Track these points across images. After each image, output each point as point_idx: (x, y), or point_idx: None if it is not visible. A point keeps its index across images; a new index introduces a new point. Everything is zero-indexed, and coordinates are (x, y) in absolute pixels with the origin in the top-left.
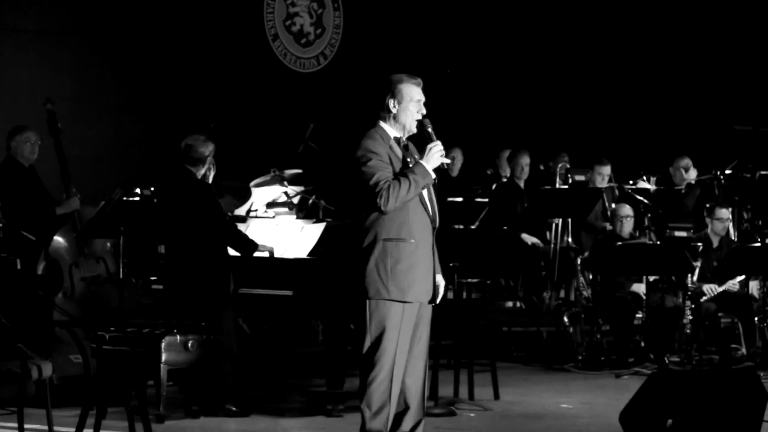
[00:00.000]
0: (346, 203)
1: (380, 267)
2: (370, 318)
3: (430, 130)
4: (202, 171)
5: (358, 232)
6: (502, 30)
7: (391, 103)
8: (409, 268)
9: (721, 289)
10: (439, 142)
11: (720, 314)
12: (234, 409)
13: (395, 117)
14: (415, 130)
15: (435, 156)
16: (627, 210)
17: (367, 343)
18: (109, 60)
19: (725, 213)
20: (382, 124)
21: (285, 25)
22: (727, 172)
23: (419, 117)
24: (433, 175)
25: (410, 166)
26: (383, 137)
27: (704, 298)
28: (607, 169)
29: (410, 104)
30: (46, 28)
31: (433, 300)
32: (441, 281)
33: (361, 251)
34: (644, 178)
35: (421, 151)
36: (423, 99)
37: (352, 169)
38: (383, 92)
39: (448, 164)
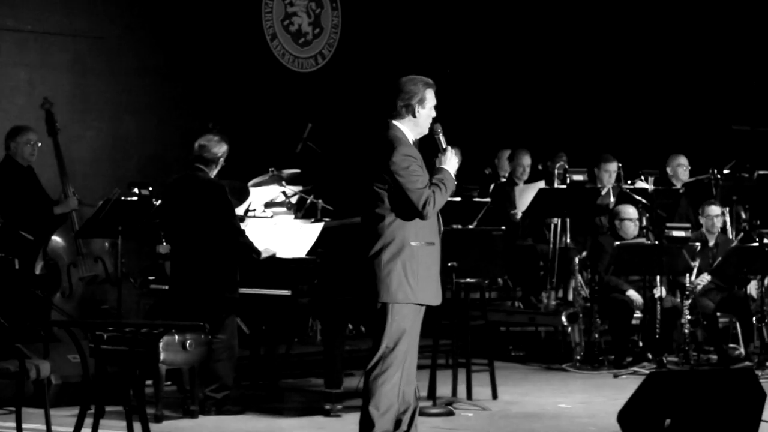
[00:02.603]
0: (357, 205)
1: (408, 271)
2: (391, 320)
3: (440, 135)
4: (215, 171)
5: (371, 234)
6: (501, 30)
7: (416, 107)
8: (433, 272)
9: (708, 277)
10: (450, 148)
11: (718, 314)
12: (233, 408)
13: (416, 120)
14: (426, 133)
15: (454, 162)
16: (630, 212)
17: (384, 346)
18: (107, 60)
19: (713, 209)
20: (398, 125)
21: (283, 24)
22: (725, 171)
23: (431, 120)
24: (455, 182)
25: (436, 173)
26: (404, 140)
27: (699, 287)
28: (613, 166)
29: (430, 110)
30: (44, 28)
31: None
32: None
33: (383, 255)
34: (642, 177)
35: (433, 155)
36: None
37: (387, 173)
38: (410, 95)
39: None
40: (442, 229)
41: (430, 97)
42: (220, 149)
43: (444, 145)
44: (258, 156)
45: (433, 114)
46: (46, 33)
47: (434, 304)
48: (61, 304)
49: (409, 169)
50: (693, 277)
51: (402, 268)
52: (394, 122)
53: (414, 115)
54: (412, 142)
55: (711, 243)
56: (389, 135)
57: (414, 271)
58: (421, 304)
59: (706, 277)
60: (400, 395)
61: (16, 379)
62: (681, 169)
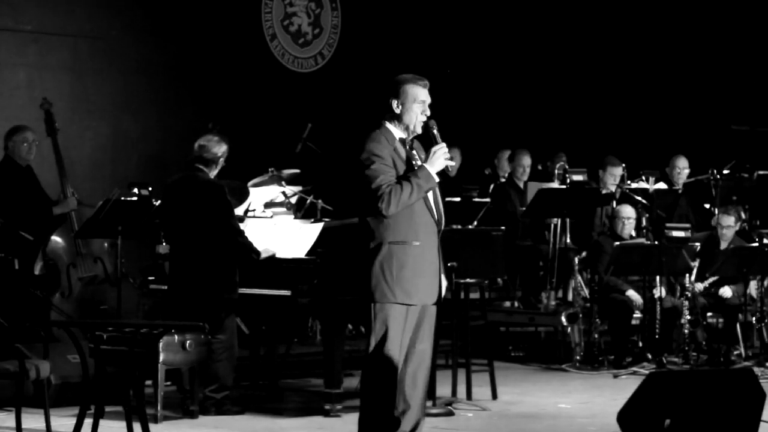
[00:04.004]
0: (347, 205)
1: (386, 270)
2: (375, 320)
3: (435, 132)
4: (215, 171)
5: (362, 233)
6: (501, 30)
7: (394, 103)
8: (414, 271)
9: (707, 283)
10: (443, 144)
11: (709, 314)
12: (233, 408)
13: (399, 118)
14: (419, 131)
15: (439, 159)
16: (629, 211)
17: (371, 345)
18: (107, 60)
19: (727, 219)
20: (387, 124)
21: (283, 24)
22: (725, 171)
23: (424, 118)
24: (437, 179)
25: (414, 169)
26: (388, 138)
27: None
28: (618, 170)
29: (414, 105)
30: (44, 28)
31: (437, 301)
32: (444, 282)
33: (367, 253)
34: (643, 178)
35: (428, 153)
36: (428, 100)
37: (355, 171)
38: (387, 93)
39: (452, 167)
40: (442, 227)
41: (412, 93)
42: (220, 149)
43: (438, 142)
44: (258, 156)
45: (426, 111)
46: (46, 33)
47: (419, 304)
48: (61, 304)
49: (371, 167)
50: (692, 278)
51: (380, 268)
52: (384, 122)
53: (396, 113)
54: (399, 140)
55: (723, 246)
56: (369, 134)
57: (392, 270)
58: (404, 304)
59: (699, 286)
60: (399, 395)
61: (16, 379)
62: (675, 171)
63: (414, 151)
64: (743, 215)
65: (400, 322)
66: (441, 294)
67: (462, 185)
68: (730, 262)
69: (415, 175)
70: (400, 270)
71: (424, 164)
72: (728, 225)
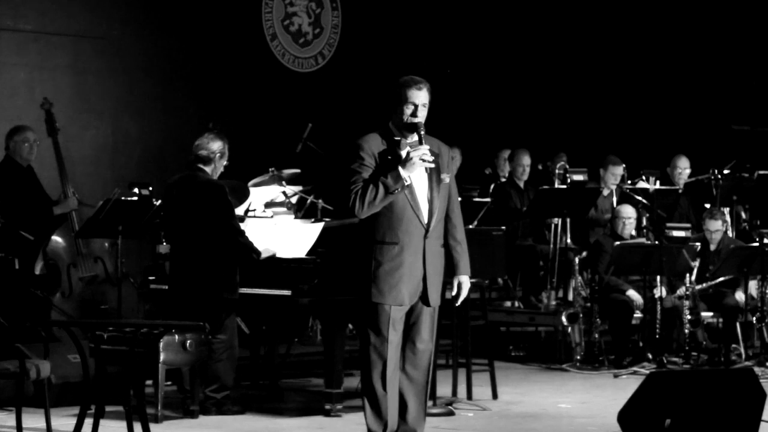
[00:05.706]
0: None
1: (365, 269)
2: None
3: (420, 134)
4: (216, 168)
5: (358, 233)
6: (502, 30)
7: (391, 104)
8: (391, 272)
9: (710, 284)
10: (422, 147)
11: (711, 313)
12: (233, 408)
13: (394, 118)
14: (408, 132)
15: (414, 162)
16: (629, 212)
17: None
18: (107, 60)
19: (713, 224)
20: (390, 125)
21: (283, 24)
22: (725, 171)
23: (413, 120)
24: (407, 181)
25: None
26: (384, 138)
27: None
28: (620, 170)
29: (403, 106)
30: (44, 28)
31: (455, 300)
32: (465, 281)
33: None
34: (644, 178)
35: (406, 155)
36: (420, 102)
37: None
38: (387, 93)
39: (431, 168)
40: (431, 227)
41: (404, 95)
42: (214, 145)
43: (420, 143)
44: (258, 156)
45: (418, 113)
46: (46, 33)
47: (394, 304)
48: (61, 304)
49: (350, 167)
50: (693, 278)
51: (361, 267)
52: (389, 122)
53: (393, 116)
54: (394, 142)
55: (713, 248)
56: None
57: (371, 270)
58: (380, 303)
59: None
60: (385, 392)
61: (16, 379)
62: (676, 171)
63: (403, 152)
64: (743, 215)
65: (383, 323)
66: (428, 295)
67: (462, 185)
68: (730, 262)
69: (385, 176)
70: (376, 269)
71: (398, 166)
72: (716, 229)
